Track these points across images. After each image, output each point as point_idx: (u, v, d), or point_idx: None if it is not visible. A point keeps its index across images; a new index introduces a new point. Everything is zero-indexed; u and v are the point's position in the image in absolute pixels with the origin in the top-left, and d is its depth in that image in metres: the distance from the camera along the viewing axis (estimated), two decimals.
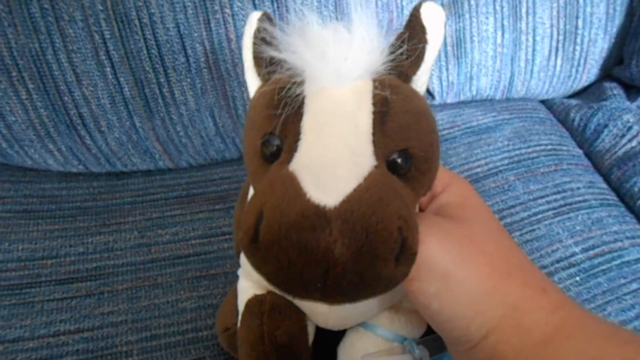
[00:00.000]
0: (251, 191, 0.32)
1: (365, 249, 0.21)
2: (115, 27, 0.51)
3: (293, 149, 0.24)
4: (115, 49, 0.52)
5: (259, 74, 0.29)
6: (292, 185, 0.23)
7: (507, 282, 0.27)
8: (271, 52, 0.27)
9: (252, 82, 0.30)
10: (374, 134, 0.25)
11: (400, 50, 0.26)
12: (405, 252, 0.23)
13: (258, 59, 0.28)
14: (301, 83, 0.25)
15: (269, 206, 0.22)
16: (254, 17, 0.28)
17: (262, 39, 0.27)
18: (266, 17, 0.28)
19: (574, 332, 0.26)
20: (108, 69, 0.52)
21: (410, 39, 0.26)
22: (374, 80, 0.26)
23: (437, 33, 0.27)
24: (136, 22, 0.51)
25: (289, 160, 0.24)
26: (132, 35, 0.51)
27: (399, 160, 0.25)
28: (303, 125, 0.25)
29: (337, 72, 0.25)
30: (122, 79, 0.53)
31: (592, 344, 0.25)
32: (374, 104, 0.25)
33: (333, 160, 0.24)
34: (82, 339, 0.46)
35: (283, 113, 0.25)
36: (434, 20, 0.27)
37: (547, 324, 0.26)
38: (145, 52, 0.52)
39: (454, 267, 0.27)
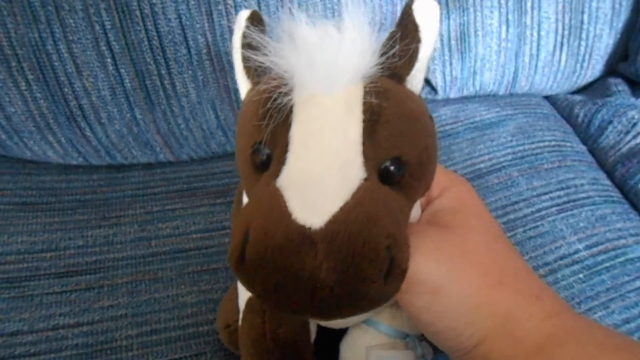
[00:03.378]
0: (245, 196, 0.31)
1: (351, 271, 0.21)
2: (116, 18, 0.50)
3: (281, 160, 0.24)
4: (116, 40, 0.51)
5: (248, 77, 0.28)
6: (278, 205, 0.22)
7: (498, 292, 0.27)
8: (258, 58, 0.26)
9: (243, 85, 0.29)
10: (364, 144, 0.24)
11: (392, 51, 0.25)
12: (393, 271, 0.22)
13: (246, 65, 0.27)
14: (289, 91, 0.24)
15: (254, 227, 0.22)
16: (242, 17, 0.27)
17: (248, 45, 0.26)
18: (254, 18, 0.27)
19: (567, 339, 0.26)
20: (109, 60, 0.52)
21: (403, 38, 0.25)
22: (365, 86, 0.25)
23: (431, 30, 0.26)
24: (137, 12, 0.50)
25: (277, 174, 0.24)
26: (133, 26, 0.51)
27: (392, 169, 0.24)
28: (291, 135, 0.24)
29: (326, 78, 0.24)
30: (122, 71, 0.53)
31: (584, 351, 0.25)
32: (364, 112, 0.24)
33: (320, 175, 0.23)
34: (81, 332, 0.46)
35: (270, 124, 0.24)
36: (427, 17, 0.26)
37: (540, 332, 0.26)
38: (146, 43, 0.52)
39: (443, 281, 0.27)
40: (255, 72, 0.27)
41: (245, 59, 0.27)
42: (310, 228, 0.21)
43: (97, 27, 0.50)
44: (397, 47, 0.25)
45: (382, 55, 0.25)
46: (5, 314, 0.46)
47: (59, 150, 0.58)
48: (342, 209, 0.22)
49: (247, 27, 0.27)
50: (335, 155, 0.23)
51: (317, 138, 0.24)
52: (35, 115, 0.54)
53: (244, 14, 0.27)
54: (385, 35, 0.26)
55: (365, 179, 0.23)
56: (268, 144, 0.25)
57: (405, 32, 0.25)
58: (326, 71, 0.24)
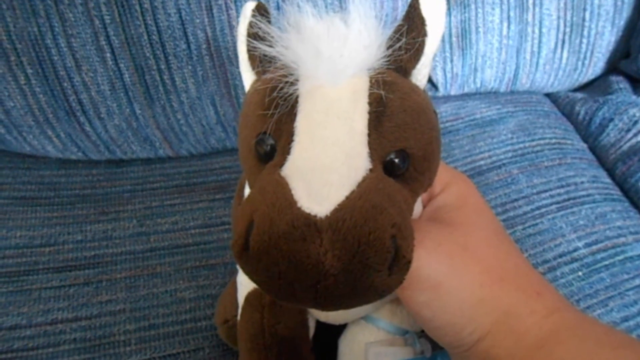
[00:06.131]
0: (247, 189, 0.31)
1: (356, 260, 0.21)
2: (116, 12, 0.50)
3: (286, 150, 0.24)
4: (116, 35, 0.51)
5: (253, 68, 0.28)
6: (283, 193, 0.22)
7: (499, 288, 0.27)
8: (264, 49, 0.26)
9: (247, 76, 0.29)
10: (369, 135, 0.24)
11: (398, 44, 0.25)
12: (398, 261, 0.22)
13: (251, 55, 0.27)
14: (295, 81, 0.24)
15: (259, 215, 0.22)
16: (248, 8, 0.27)
17: (254, 35, 0.26)
18: (260, 9, 0.27)
19: (567, 336, 0.26)
20: (108, 55, 0.52)
21: (409, 32, 0.25)
22: (371, 77, 0.25)
23: (438, 25, 0.26)
24: (137, 7, 0.50)
25: (282, 163, 0.23)
26: (132, 20, 0.50)
27: (396, 161, 0.24)
28: (297, 125, 0.24)
29: (332, 69, 0.24)
30: (122, 65, 0.52)
31: (584, 348, 0.25)
32: (370, 104, 0.24)
33: (326, 165, 0.23)
34: (79, 327, 0.45)
35: (275, 113, 0.24)
36: (434, 11, 0.25)
37: (541, 328, 0.26)
38: (146, 38, 0.51)
39: (445, 278, 0.27)
40: (260, 62, 0.27)
41: (251, 49, 0.27)
42: (315, 216, 0.21)
43: (97, 22, 0.50)
44: (404, 40, 0.25)
45: (388, 48, 0.25)
46: (3, 308, 0.46)
47: (58, 145, 0.58)
48: (347, 198, 0.22)
49: (254, 17, 0.27)
50: (341, 145, 0.23)
51: (322, 128, 0.24)
52: (34, 110, 0.54)
53: (249, 5, 0.27)
54: (391, 28, 0.26)
55: (371, 170, 0.23)
56: (272, 134, 0.25)
57: (411, 26, 0.25)
58: (332, 62, 0.24)
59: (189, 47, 0.53)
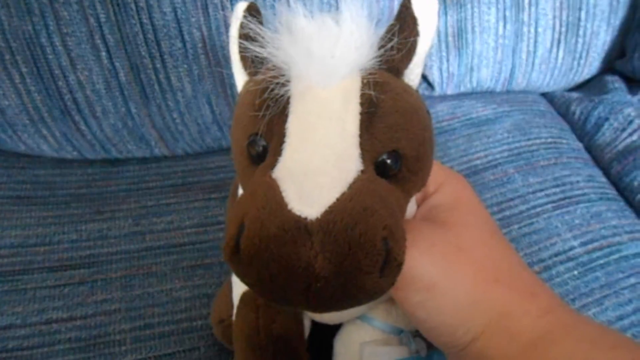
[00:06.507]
0: (240, 190, 0.31)
1: (347, 262, 0.21)
2: (111, 11, 0.50)
3: (278, 152, 0.24)
4: (111, 33, 0.51)
5: (245, 69, 0.28)
6: (274, 196, 0.22)
7: (493, 289, 0.27)
8: (255, 50, 0.25)
9: (239, 77, 0.29)
10: (361, 137, 0.24)
11: (390, 44, 0.25)
12: (390, 264, 0.22)
13: (243, 56, 0.27)
14: (286, 82, 0.24)
15: (249, 217, 0.22)
16: (240, 8, 0.27)
17: (245, 36, 0.26)
18: (251, 9, 0.27)
19: (562, 337, 0.26)
20: (103, 54, 0.51)
21: (401, 32, 0.25)
22: (363, 78, 0.25)
23: (430, 24, 0.26)
24: (132, 5, 0.50)
25: (274, 165, 0.23)
26: (128, 19, 0.50)
27: (388, 162, 0.24)
28: (288, 127, 0.24)
29: (323, 70, 0.24)
30: (117, 64, 0.52)
31: (579, 348, 0.25)
32: (362, 104, 0.24)
33: (317, 167, 0.23)
34: (74, 327, 0.45)
35: (267, 115, 0.24)
36: (426, 11, 0.25)
37: (535, 328, 0.26)
38: (141, 36, 0.51)
39: (438, 278, 0.27)
40: (252, 63, 0.27)
41: (242, 50, 0.27)
42: (306, 218, 0.21)
43: (92, 20, 0.50)
44: (396, 40, 0.25)
45: (380, 48, 0.25)
46: None
47: (53, 144, 0.57)
48: (338, 200, 0.22)
49: (245, 17, 0.26)
50: (332, 147, 0.23)
51: (313, 130, 0.24)
52: (29, 109, 0.54)
53: (241, 6, 0.27)
54: (383, 28, 0.26)
55: (362, 171, 0.23)
56: (264, 135, 0.24)
57: (403, 26, 0.25)
58: (323, 63, 0.24)
59: (184, 45, 0.53)
